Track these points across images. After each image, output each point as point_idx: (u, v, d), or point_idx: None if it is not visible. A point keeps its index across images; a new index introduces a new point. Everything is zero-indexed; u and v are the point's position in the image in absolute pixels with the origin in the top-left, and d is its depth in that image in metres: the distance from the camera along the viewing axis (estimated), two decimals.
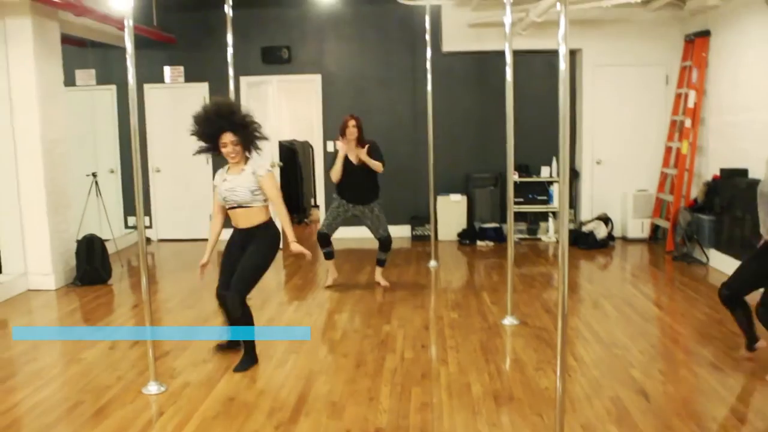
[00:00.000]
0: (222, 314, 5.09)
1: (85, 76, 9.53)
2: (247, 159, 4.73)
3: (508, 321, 5.70)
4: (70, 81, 8.99)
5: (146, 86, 9.81)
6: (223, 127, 4.62)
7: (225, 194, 4.70)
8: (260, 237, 4.73)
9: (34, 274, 7.11)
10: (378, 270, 7.13)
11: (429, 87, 7.90)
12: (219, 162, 4.86)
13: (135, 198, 4.39)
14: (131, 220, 9.79)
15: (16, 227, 7.07)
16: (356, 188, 6.75)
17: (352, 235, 8.86)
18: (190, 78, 9.85)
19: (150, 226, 10.00)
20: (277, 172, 9.23)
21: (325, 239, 6.85)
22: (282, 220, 4.83)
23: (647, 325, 5.60)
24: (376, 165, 6.63)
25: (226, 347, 5.11)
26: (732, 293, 4.62)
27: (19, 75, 6.89)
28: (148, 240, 9.97)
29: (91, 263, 7.26)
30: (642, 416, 3.89)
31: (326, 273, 7.24)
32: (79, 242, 7.36)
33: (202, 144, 4.75)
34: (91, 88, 9.57)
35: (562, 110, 3.24)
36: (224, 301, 4.75)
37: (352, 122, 6.61)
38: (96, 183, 7.91)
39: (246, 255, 4.69)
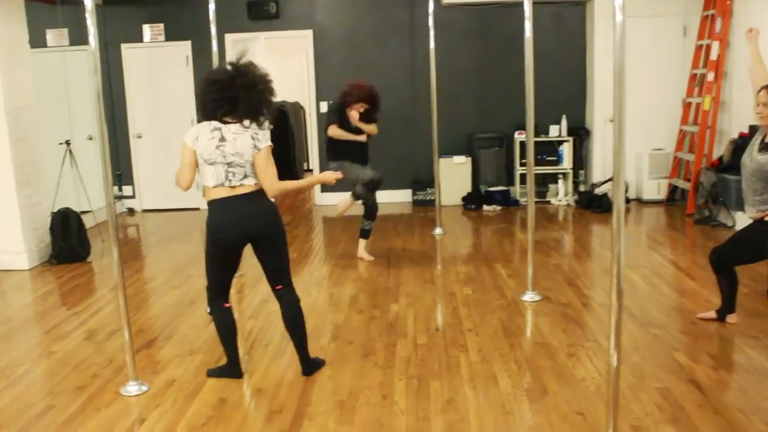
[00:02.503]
0: None
1: (56, 36, 8.80)
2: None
3: (529, 297, 5.15)
4: (40, 42, 8.30)
5: (123, 46, 9.11)
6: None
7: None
8: None
9: (4, 253, 6.49)
10: (361, 243, 6.50)
11: (432, 43, 7.26)
12: None
13: (102, 167, 3.80)
14: (113, 190, 9.15)
15: None
16: (360, 150, 6.19)
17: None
18: (171, 36, 9.13)
19: (133, 196, 9.39)
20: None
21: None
22: None
23: (683, 300, 5.06)
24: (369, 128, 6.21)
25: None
26: (719, 259, 4.39)
27: None
28: (132, 211, 9.36)
29: (66, 239, 6.65)
30: (699, 412, 3.36)
31: (342, 209, 6.42)
32: (53, 217, 6.74)
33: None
34: (63, 49, 8.84)
35: (618, 63, 2.70)
36: None
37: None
38: (70, 152, 7.27)
39: None
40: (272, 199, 3.76)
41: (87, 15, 3.60)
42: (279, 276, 3.84)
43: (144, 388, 3.81)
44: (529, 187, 5.22)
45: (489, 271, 5.93)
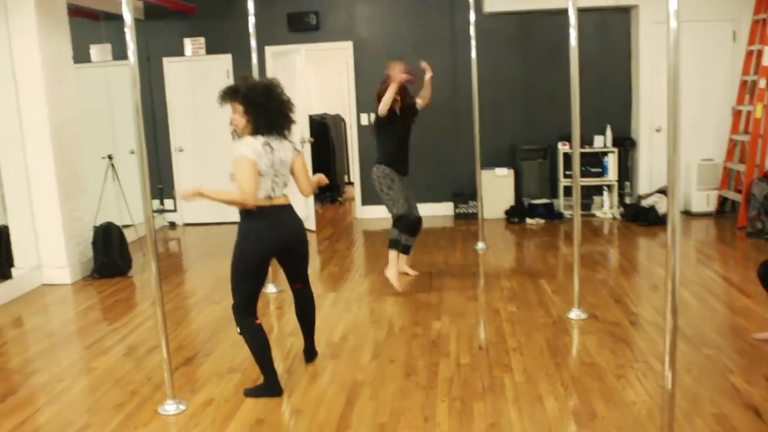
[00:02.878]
0: None
1: (100, 51, 8.90)
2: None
3: (575, 314, 4.99)
4: (84, 57, 8.39)
5: (165, 60, 9.19)
6: None
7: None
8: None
9: (48, 267, 6.55)
10: (403, 258, 6.21)
11: (473, 53, 7.15)
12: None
13: (141, 181, 3.80)
14: (154, 204, 9.21)
15: (27, 217, 6.50)
16: (405, 156, 5.85)
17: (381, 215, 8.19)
18: (211, 50, 9.18)
19: (174, 210, 9.43)
20: (308, 148, 8.57)
21: (419, 223, 6.00)
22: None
23: (737, 318, 4.86)
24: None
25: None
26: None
27: (23, 52, 6.27)
28: (173, 224, 9.41)
29: (108, 254, 6.68)
30: None
31: (387, 264, 5.89)
32: (95, 231, 6.78)
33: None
34: (107, 64, 8.94)
35: (672, 70, 2.58)
36: None
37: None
38: (112, 166, 7.32)
39: None
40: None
41: (126, 30, 3.60)
42: (301, 276, 4.16)
43: (182, 407, 3.77)
44: (575, 200, 5.05)
45: (533, 286, 5.79)
